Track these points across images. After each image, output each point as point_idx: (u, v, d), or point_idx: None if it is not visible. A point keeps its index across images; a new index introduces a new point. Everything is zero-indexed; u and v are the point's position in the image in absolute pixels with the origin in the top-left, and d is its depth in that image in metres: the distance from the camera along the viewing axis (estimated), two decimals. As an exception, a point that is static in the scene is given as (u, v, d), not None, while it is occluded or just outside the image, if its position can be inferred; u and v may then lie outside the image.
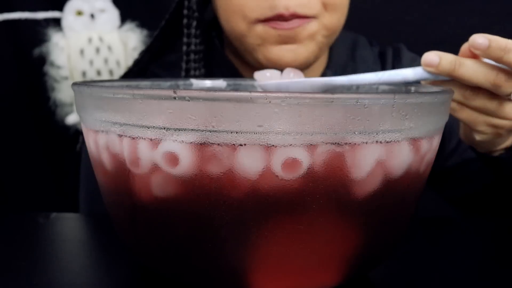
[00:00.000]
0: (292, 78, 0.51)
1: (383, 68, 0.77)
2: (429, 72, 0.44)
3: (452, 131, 0.71)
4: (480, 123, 0.46)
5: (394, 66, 0.76)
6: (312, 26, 0.62)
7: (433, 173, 0.71)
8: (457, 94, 0.45)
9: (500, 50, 0.41)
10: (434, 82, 0.46)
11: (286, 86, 0.50)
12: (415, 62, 0.77)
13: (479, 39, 0.41)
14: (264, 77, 0.52)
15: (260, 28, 0.62)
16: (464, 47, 0.44)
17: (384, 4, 1.00)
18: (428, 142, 0.37)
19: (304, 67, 0.68)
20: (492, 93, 0.44)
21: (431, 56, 0.43)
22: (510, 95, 0.43)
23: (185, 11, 0.70)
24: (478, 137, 0.48)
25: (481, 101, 0.45)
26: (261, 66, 0.66)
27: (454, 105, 0.46)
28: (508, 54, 0.40)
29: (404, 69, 0.45)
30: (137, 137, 0.33)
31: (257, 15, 0.61)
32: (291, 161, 0.31)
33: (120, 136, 0.34)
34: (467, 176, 0.71)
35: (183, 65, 0.71)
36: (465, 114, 0.46)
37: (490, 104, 0.45)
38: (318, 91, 0.50)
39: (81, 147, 0.79)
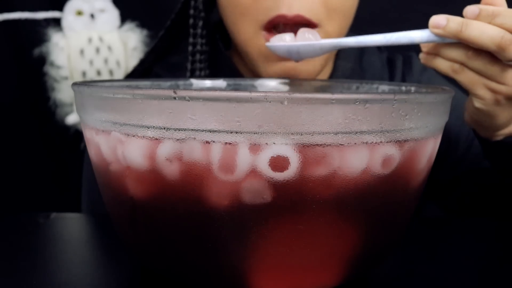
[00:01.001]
0: (307, 38, 0.51)
1: (392, 75, 0.75)
2: (436, 34, 0.45)
3: (458, 140, 0.70)
4: (479, 86, 0.48)
5: (404, 75, 0.75)
6: None
7: (438, 183, 0.71)
8: (461, 55, 0.46)
9: (488, 16, 0.44)
10: (436, 47, 0.47)
11: (296, 49, 0.50)
12: (426, 71, 0.76)
13: (470, 8, 0.45)
14: (279, 40, 0.52)
15: (262, 40, 0.60)
16: (468, 11, 0.45)
17: (384, 4, 1.00)
18: (428, 142, 0.37)
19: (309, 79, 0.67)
20: (494, 57, 0.46)
21: (439, 18, 0.45)
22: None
23: (192, 11, 0.70)
24: (477, 103, 0.49)
25: (482, 63, 0.46)
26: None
27: (456, 66, 0.47)
28: (496, 18, 0.44)
29: (411, 31, 0.46)
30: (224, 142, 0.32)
31: (262, 16, 0.59)
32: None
33: (207, 142, 0.32)
34: (473, 187, 0.70)
35: (188, 66, 0.70)
36: (466, 76, 0.47)
37: (491, 67, 0.46)
38: (328, 52, 0.51)
39: (85, 146, 0.79)
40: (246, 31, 0.62)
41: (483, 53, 0.46)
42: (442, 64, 0.48)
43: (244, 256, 0.35)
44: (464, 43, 0.45)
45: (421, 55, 0.49)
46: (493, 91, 0.48)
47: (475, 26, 0.44)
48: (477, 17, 0.45)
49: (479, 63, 0.46)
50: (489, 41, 0.44)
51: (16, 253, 0.47)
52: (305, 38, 0.51)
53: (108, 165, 0.37)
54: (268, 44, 0.53)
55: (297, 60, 0.54)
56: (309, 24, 0.59)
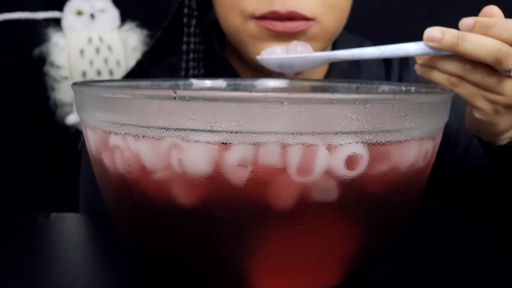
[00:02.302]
0: (299, 51, 0.50)
1: (388, 74, 0.75)
2: (431, 47, 0.45)
3: (458, 139, 0.70)
4: (479, 98, 0.47)
5: (401, 73, 0.75)
6: (312, 31, 0.60)
7: (438, 181, 0.71)
8: (458, 68, 0.46)
9: (483, 27, 0.44)
10: (432, 60, 0.47)
11: (289, 62, 0.50)
12: None
13: (465, 21, 0.45)
14: (270, 53, 0.51)
15: (253, 27, 0.60)
16: (463, 23, 0.45)
17: (384, 4, 1.00)
18: (428, 142, 0.37)
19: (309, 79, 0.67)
20: (492, 69, 0.45)
21: (434, 31, 0.44)
22: (509, 71, 0.44)
23: (185, 10, 0.70)
24: (477, 114, 0.49)
25: (480, 76, 0.45)
26: (259, 67, 0.65)
27: (454, 79, 0.47)
28: (491, 29, 0.43)
29: (406, 44, 0.46)
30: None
31: (253, 10, 0.59)
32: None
33: (286, 145, 0.32)
34: (473, 185, 0.70)
35: (183, 65, 0.70)
36: (464, 89, 0.47)
37: (489, 79, 0.45)
38: (321, 65, 0.50)
39: (82, 146, 0.79)
40: (236, 21, 0.62)
41: (480, 65, 0.45)
42: (439, 77, 0.47)
43: (244, 256, 0.35)
44: (461, 56, 0.45)
45: (417, 67, 0.49)
46: (491, 102, 0.47)
47: (471, 39, 0.43)
48: (472, 29, 0.44)
49: (476, 76, 0.45)
50: (486, 54, 0.43)
51: (16, 253, 0.47)
52: (297, 51, 0.50)
53: (146, 172, 0.34)
54: (259, 57, 0.52)
55: (289, 74, 0.54)
56: (304, 19, 0.59)
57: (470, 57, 0.44)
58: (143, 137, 0.33)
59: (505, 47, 0.43)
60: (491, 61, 0.43)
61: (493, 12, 0.45)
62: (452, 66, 0.46)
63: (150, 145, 0.33)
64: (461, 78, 0.46)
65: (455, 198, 0.73)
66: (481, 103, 0.47)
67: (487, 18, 0.44)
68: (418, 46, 0.45)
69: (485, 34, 0.44)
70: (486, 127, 0.51)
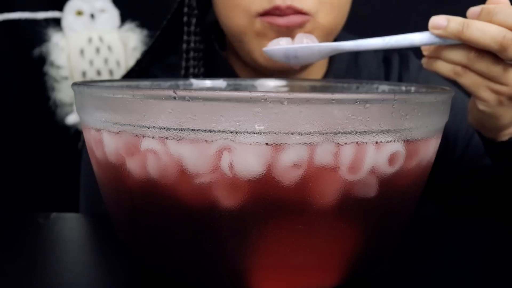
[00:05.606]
0: (305, 43, 0.51)
1: (388, 74, 0.75)
2: (436, 34, 0.45)
3: (457, 140, 0.70)
4: (483, 88, 0.47)
5: (401, 74, 0.75)
6: (308, 26, 0.61)
7: (436, 183, 0.71)
8: (463, 57, 0.46)
9: (488, 13, 0.44)
10: (437, 50, 0.46)
11: (294, 51, 0.50)
12: (423, 69, 0.76)
13: (472, 9, 0.45)
14: (276, 44, 0.51)
15: (258, 25, 0.61)
16: (470, 11, 0.45)
17: (384, 5, 1.00)
18: (428, 142, 0.37)
19: (302, 68, 0.68)
20: (497, 58, 0.45)
21: (439, 19, 0.45)
22: None
23: (185, 9, 0.70)
24: (481, 106, 0.49)
25: (485, 64, 0.45)
26: (260, 67, 0.65)
27: (458, 69, 0.47)
28: (496, 15, 0.44)
29: (411, 34, 0.46)
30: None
31: (256, 8, 0.60)
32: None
33: (340, 144, 0.32)
34: (471, 187, 0.70)
35: (183, 63, 0.70)
36: (468, 79, 0.47)
37: (494, 68, 0.46)
38: (326, 56, 0.51)
39: (82, 145, 0.79)
40: (241, 20, 0.62)
41: (485, 54, 0.45)
42: (444, 67, 0.47)
43: (244, 256, 0.34)
44: (466, 43, 0.45)
45: (423, 60, 0.49)
46: (496, 92, 0.47)
47: (476, 25, 0.43)
48: (478, 16, 0.44)
49: (481, 64, 0.45)
50: (491, 40, 0.43)
51: (16, 253, 0.47)
52: (303, 43, 0.51)
53: (186, 176, 0.33)
54: (265, 49, 0.53)
55: (295, 66, 0.54)
56: (301, 13, 0.60)
57: (475, 45, 0.44)
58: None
59: (510, 34, 0.43)
60: (496, 48, 0.43)
61: None
62: (457, 55, 0.46)
63: (195, 148, 0.32)
64: (465, 67, 0.46)
65: (452, 200, 0.73)
66: (485, 94, 0.47)
67: (492, 5, 0.44)
68: (423, 35, 0.45)
69: (490, 20, 0.44)
70: (489, 120, 0.51)
